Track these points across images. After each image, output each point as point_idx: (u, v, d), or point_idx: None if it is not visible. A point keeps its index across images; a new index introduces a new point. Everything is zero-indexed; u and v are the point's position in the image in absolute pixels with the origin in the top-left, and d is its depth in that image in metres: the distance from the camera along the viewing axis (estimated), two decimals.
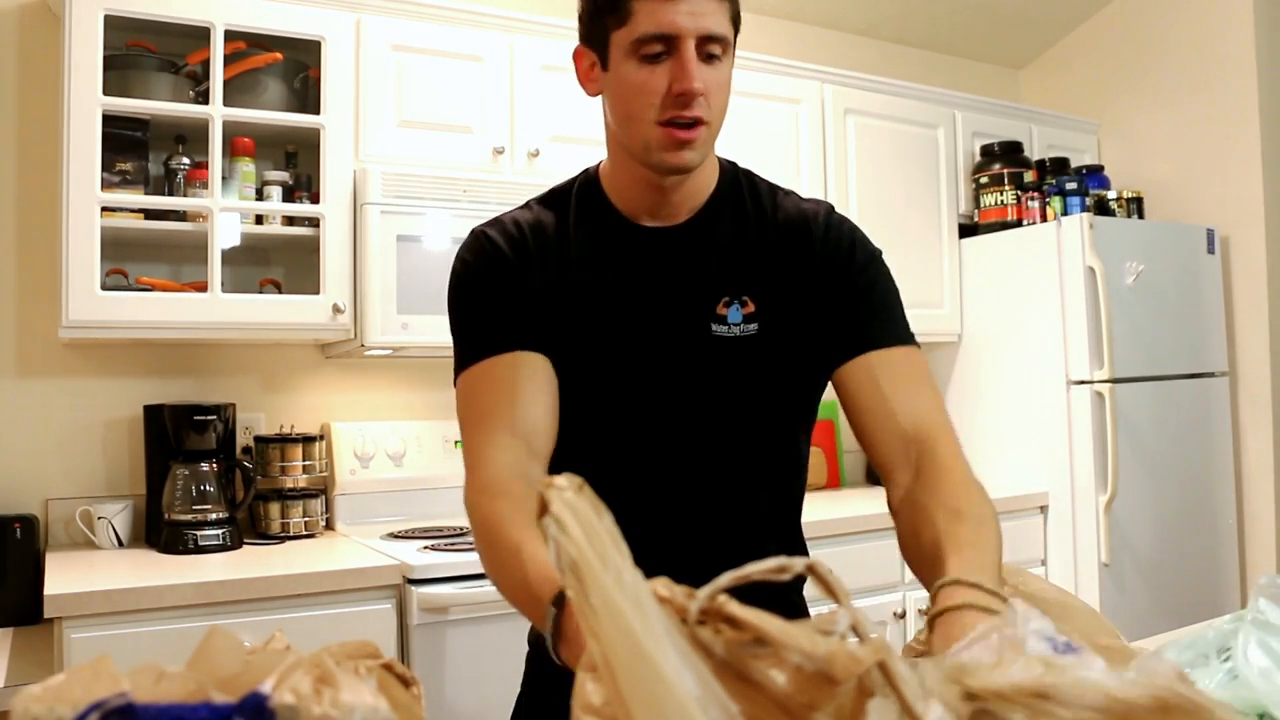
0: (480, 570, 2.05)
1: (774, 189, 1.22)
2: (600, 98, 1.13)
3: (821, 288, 1.14)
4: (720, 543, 1.16)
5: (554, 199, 1.21)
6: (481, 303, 1.14)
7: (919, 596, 2.67)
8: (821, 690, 0.46)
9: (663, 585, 0.52)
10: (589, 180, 1.20)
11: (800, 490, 1.26)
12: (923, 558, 0.98)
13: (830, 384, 1.16)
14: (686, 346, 1.13)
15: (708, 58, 1.06)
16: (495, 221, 1.19)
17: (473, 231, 1.19)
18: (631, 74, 1.05)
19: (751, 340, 1.13)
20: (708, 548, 1.15)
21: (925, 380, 1.12)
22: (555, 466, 1.17)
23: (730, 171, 1.21)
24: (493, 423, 1.07)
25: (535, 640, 1.26)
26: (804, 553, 1.27)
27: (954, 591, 0.85)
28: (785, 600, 1.21)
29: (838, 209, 1.23)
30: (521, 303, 1.12)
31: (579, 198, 1.19)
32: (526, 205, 1.21)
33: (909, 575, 2.73)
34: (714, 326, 1.13)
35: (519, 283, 1.14)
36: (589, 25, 1.10)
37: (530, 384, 1.09)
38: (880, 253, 1.19)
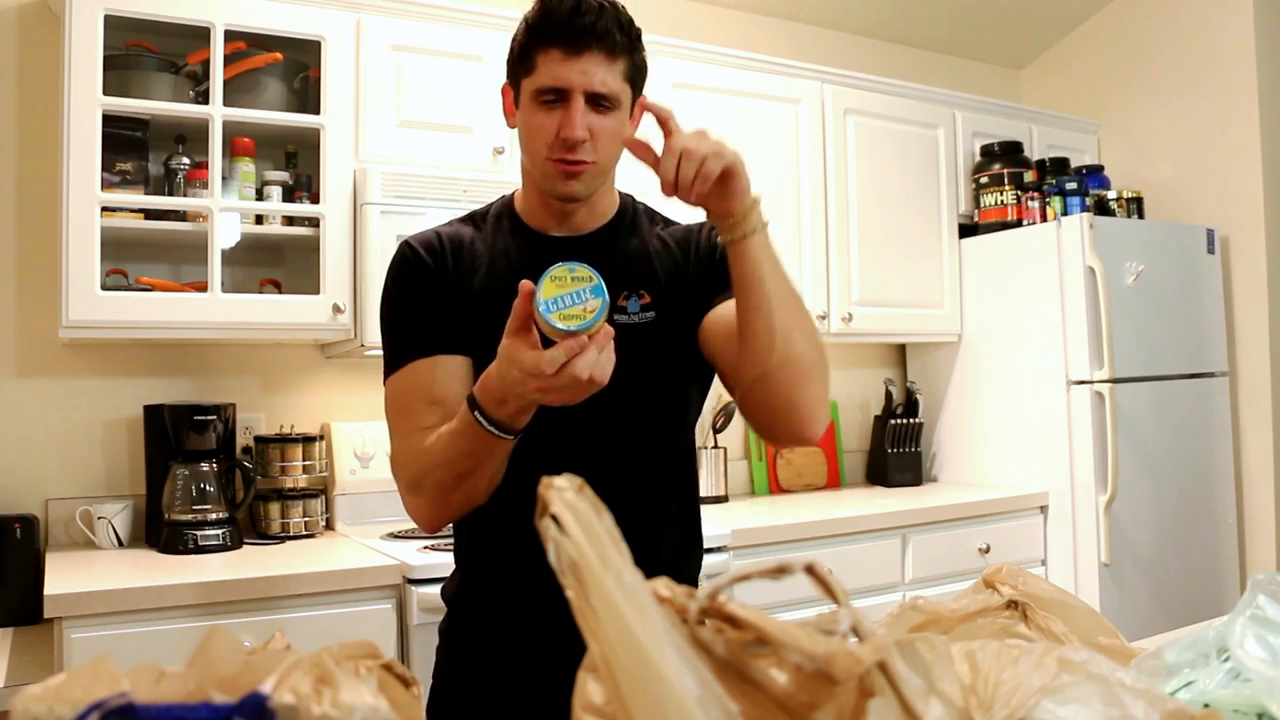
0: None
1: (665, 217, 1.42)
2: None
3: (698, 277, 1.33)
4: (627, 514, 1.23)
5: (474, 218, 1.38)
6: (404, 312, 1.30)
7: (917, 595, 2.66)
8: (822, 690, 0.46)
9: (663, 585, 0.52)
10: (505, 203, 1.38)
11: (694, 460, 1.42)
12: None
13: (703, 343, 1.31)
14: None
15: (599, 108, 1.22)
16: (421, 234, 1.35)
17: (401, 243, 1.35)
18: (531, 116, 1.23)
19: (650, 326, 1.30)
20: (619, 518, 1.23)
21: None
22: None
23: (630, 201, 1.40)
24: (413, 419, 1.24)
25: (446, 631, 1.38)
26: (699, 526, 1.41)
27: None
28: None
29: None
30: (440, 309, 1.28)
31: (496, 217, 1.36)
32: (450, 222, 1.38)
33: (909, 575, 2.75)
34: (616, 316, 1.27)
35: (438, 290, 1.29)
36: (508, 69, 1.28)
37: (445, 382, 1.24)
38: None
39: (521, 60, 1.23)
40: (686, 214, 1.35)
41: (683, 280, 1.34)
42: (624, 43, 1.22)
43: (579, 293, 1.03)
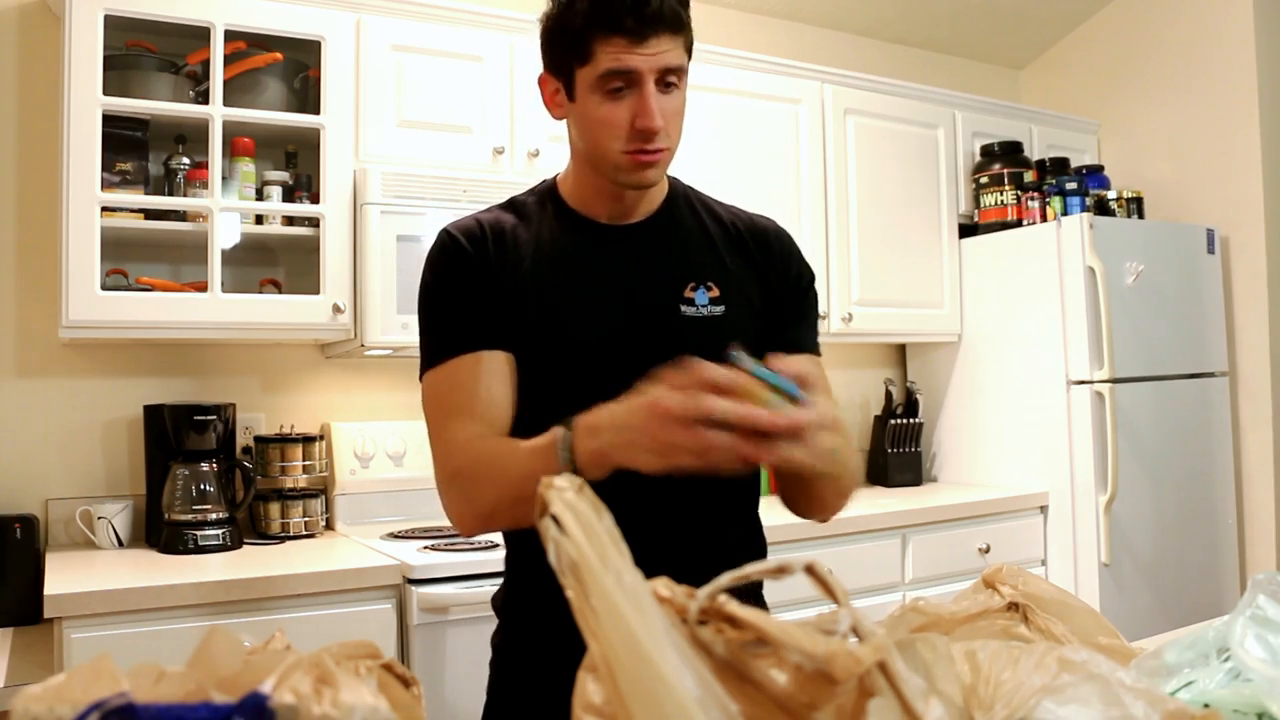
0: (480, 570, 2.06)
1: (719, 201, 1.35)
2: (565, 121, 1.22)
3: (772, 288, 1.28)
4: (691, 527, 1.23)
5: (515, 204, 1.29)
6: (446, 303, 1.24)
7: (917, 596, 2.67)
8: (822, 690, 0.46)
9: (663, 585, 0.52)
10: (549, 188, 1.30)
11: (759, 475, 1.34)
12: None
13: None
14: (659, 327, 1.22)
15: (665, 87, 1.15)
16: (461, 222, 1.27)
17: (440, 231, 1.27)
18: (596, 108, 1.15)
19: (720, 319, 1.23)
20: (680, 532, 1.20)
21: (829, 388, 1.29)
22: None
23: (678, 183, 1.33)
24: (456, 415, 1.17)
25: (499, 644, 1.33)
26: (763, 538, 1.35)
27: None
28: (751, 598, 1.27)
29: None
30: (484, 301, 1.21)
31: (539, 203, 1.28)
32: (489, 209, 1.29)
33: (909, 575, 2.75)
34: (683, 308, 1.23)
35: (482, 281, 1.22)
36: (551, 58, 1.19)
37: (490, 381, 1.18)
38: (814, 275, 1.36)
39: (574, 49, 1.14)
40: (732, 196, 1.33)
41: (753, 278, 1.28)
42: (685, 15, 1.15)
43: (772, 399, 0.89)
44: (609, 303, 1.22)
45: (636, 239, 1.25)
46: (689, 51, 1.18)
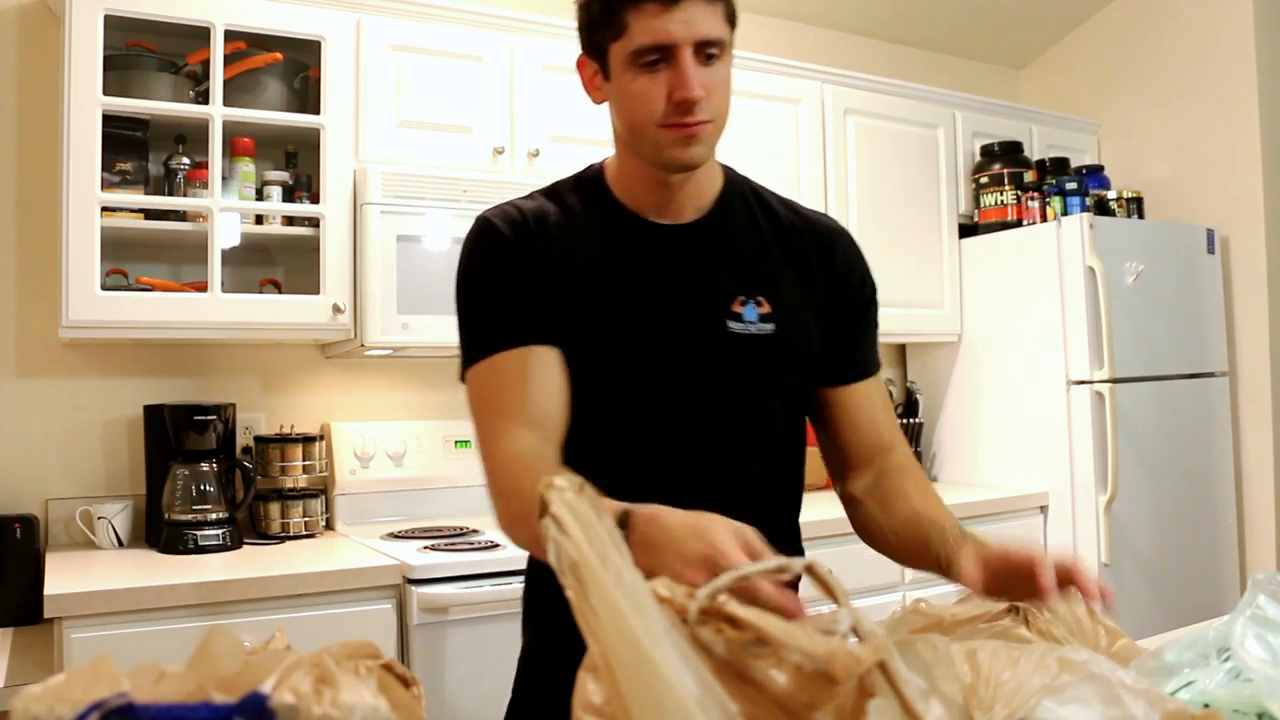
0: (480, 571, 2.06)
1: (778, 196, 1.27)
2: (606, 104, 1.16)
3: (831, 303, 1.22)
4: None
5: (556, 192, 1.21)
6: (490, 294, 1.14)
7: (918, 597, 2.66)
8: (821, 690, 0.46)
9: (663, 585, 0.52)
10: (593, 176, 1.22)
11: (801, 487, 1.30)
12: (895, 523, 1.17)
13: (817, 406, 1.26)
14: (703, 342, 1.15)
15: (706, 58, 1.08)
16: (500, 209, 1.19)
17: (479, 219, 1.19)
18: (631, 83, 1.08)
19: (769, 339, 1.16)
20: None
21: (888, 400, 1.31)
22: (567, 459, 1.18)
23: (732, 176, 1.25)
24: (507, 417, 1.08)
25: (529, 644, 1.26)
26: (801, 551, 1.30)
27: (971, 542, 1.04)
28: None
29: (837, 209, 1.27)
30: (530, 293, 1.13)
31: (583, 192, 1.20)
32: (530, 196, 1.22)
33: (909, 575, 2.74)
34: (730, 324, 1.15)
35: (527, 272, 1.14)
36: (587, 37, 1.13)
37: (542, 378, 1.10)
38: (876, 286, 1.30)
39: (606, 23, 1.09)
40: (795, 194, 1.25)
41: (809, 290, 1.20)
42: None
43: None
44: (645, 308, 1.15)
45: (685, 241, 1.17)
46: (731, 23, 1.12)
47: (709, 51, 1.08)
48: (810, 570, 0.49)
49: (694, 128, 1.08)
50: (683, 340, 1.15)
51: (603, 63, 1.12)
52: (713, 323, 1.15)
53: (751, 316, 1.15)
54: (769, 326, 1.16)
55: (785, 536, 1.26)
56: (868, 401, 1.24)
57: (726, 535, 0.80)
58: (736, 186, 1.23)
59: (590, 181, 1.21)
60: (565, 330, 1.13)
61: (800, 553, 1.29)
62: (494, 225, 1.17)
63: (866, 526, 1.23)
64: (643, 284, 1.16)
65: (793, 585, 1.24)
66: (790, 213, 1.24)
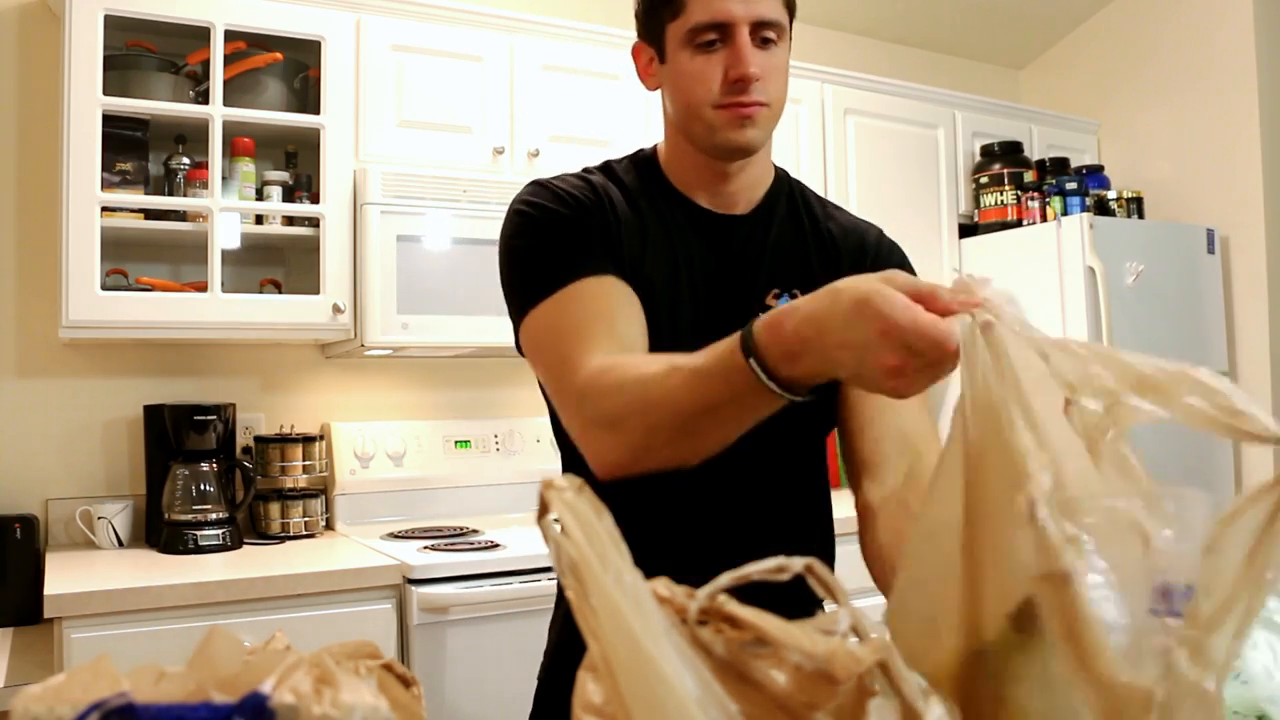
0: (480, 570, 2.06)
1: (823, 201, 1.25)
2: (659, 92, 1.16)
3: None
4: (757, 534, 1.16)
5: (610, 170, 1.19)
6: (562, 233, 1.08)
7: None
8: (821, 690, 0.46)
9: (663, 585, 0.52)
10: (647, 159, 1.21)
11: (826, 481, 1.26)
12: (895, 551, 0.98)
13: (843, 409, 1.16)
14: (736, 330, 1.13)
15: (763, 42, 1.08)
16: (556, 176, 1.16)
17: (533, 182, 1.15)
18: (688, 63, 1.08)
19: None
20: (744, 539, 1.14)
21: (925, 399, 1.12)
22: None
23: (784, 175, 1.24)
24: (591, 339, 1.00)
25: (559, 636, 1.23)
26: (833, 547, 1.26)
27: None
28: (800, 600, 1.20)
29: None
30: (600, 238, 1.08)
31: (640, 175, 1.18)
32: (583, 171, 1.19)
33: None
34: (763, 315, 1.14)
35: (595, 221, 1.10)
36: (645, 21, 1.13)
37: (626, 305, 1.05)
38: None
39: (665, 2, 1.08)
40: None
41: None
42: None
43: None
44: (689, 293, 1.14)
45: (732, 231, 1.16)
46: (790, 11, 1.12)
47: (766, 35, 1.08)
48: (810, 570, 0.49)
49: (749, 108, 1.07)
50: (717, 328, 1.13)
51: (659, 45, 1.12)
52: (747, 313, 1.13)
53: None
54: None
55: (810, 527, 1.22)
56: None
57: (885, 299, 0.70)
58: (785, 184, 1.23)
59: (645, 164, 1.20)
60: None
61: (832, 548, 1.25)
62: (555, 184, 1.13)
63: (867, 550, 1.10)
64: (691, 270, 1.15)
65: (794, 584, 1.22)
66: (827, 214, 1.23)
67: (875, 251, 1.20)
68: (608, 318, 1.02)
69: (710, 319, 1.13)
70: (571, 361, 0.99)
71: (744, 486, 1.14)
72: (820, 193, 1.33)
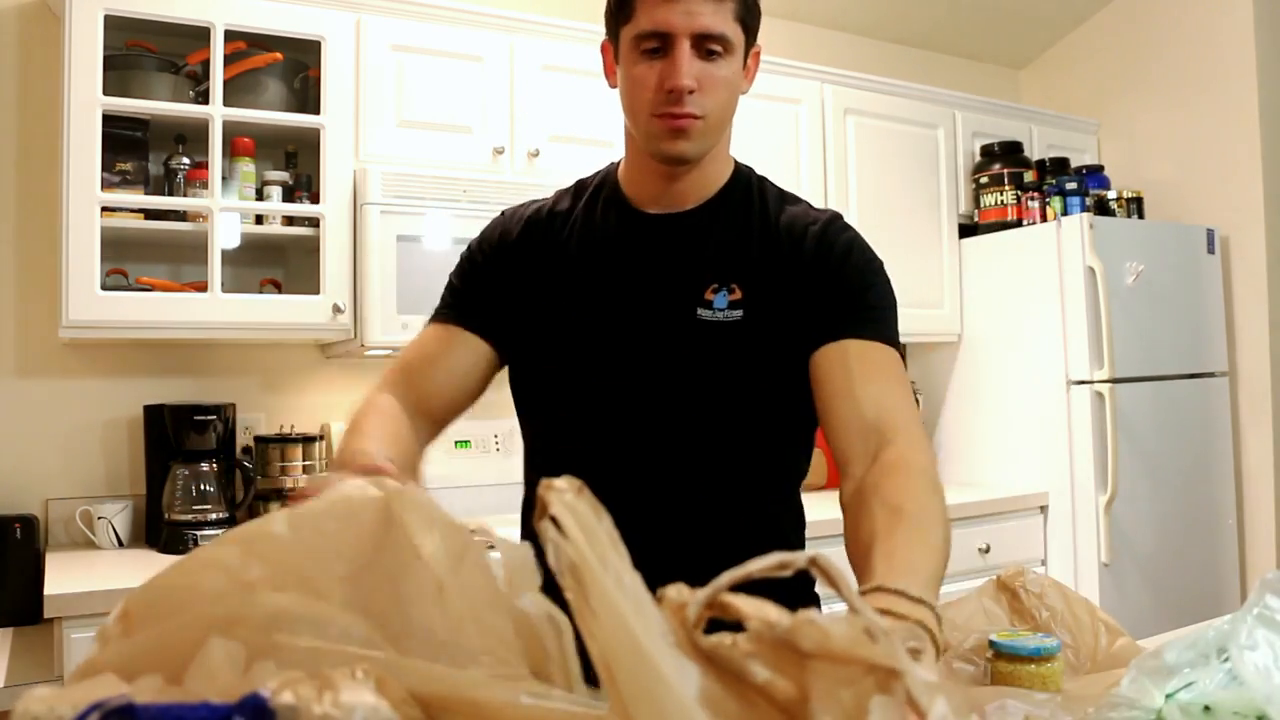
0: None
1: (784, 195, 1.24)
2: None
3: (809, 284, 1.13)
4: (700, 527, 1.16)
5: (579, 187, 1.28)
6: (461, 273, 1.27)
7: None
8: (795, 667, 0.46)
9: (673, 590, 0.52)
10: (610, 172, 1.26)
11: (791, 481, 1.24)
12: (857, 555, 0.93)
13: (815, 383, 1.12)
14: (671, 329, 1.16)
15: (707, 54, 1.09)
16: (525, 204, 1.28)
17: (508, 208, 1.30)
18: (632, 68, 1.12)
19: (736, 325, 1.13)
20: (689, 532, 1.15)
21: (898, 379, 1.10)
22: (541, 447, 1.25)
23: (745, 173, 1.24)
24: (398, 369, 1.24)
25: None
26: (797, 545, 1.25)
27: (874, 598, 0.79)
28: (800, 595, 1.20)
29: (838, 210, 1.25)
30: (499, 287, 1.22)
31: (598, 187, 1.25)
32: (558, 191, 1.29)
33: None
34: (700, 311, 1.15)
35: (509, 266, 1.22)
36: (608, 21, 1.17)
37: (452, 357, 1.22)
38: (881, 264, 1.18)
39: (620, 7, 1.12)
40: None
41: (786, 280, 1.14)
42: None
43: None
44: (626, 301, 1.16)
45: (670, 230, 1.18)
46: (745, 26, 1.11)
47: (710, 47, 1.08)
48: (814, 563, 0.49)
49: (681, 120, 1.09)
50: (650, 327, 1.16)
51: (615, 47, 1.16)
52: (683, 310, 1.15)
53: (721, 304, 1.14)
54: (737, 313, 1.13)
55: (770, 529, 1.19)
56: (841, 362, 1.07)
57: None
58: (743, 180, 1.22)
59: (607, 177, 1.25)
60: (544, 321, 1.19)
61: (795, 548, 1.21)
62: (502, 216, 1.27)
63: (846, 547, 1.00)
64: (621, 272, 1.18)
65: (798, 580, 1.19)
66: (780, 208, 1.20)
67: (818, 237, 1.14)
68: (418, 364, 1.23)
69: (642, 320, 1.17)
70: (372, 389, 1.23)
71: (696, 491, 1.16)
72: (820, 193, 1.34)
